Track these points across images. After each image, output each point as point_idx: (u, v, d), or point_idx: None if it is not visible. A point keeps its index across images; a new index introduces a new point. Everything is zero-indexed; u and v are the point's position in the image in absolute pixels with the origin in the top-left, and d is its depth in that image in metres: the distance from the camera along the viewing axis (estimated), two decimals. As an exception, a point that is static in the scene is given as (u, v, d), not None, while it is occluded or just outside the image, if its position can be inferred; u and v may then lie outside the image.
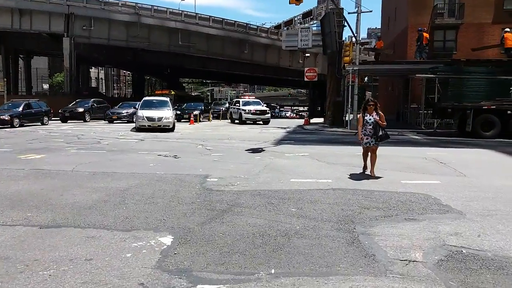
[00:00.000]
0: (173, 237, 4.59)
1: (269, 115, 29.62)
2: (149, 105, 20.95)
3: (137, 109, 21.13)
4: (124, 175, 8.12)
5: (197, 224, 5.05)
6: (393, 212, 5.65)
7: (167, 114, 19.86)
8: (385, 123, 8.23)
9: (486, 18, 27.16)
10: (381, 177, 7.96)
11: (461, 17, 27.30)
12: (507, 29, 21.40)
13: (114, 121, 27.93)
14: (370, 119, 8.16)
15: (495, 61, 19.83)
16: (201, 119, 28.88)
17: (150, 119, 19.42)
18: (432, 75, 18.46)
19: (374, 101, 8.30)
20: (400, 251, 4.20)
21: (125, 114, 28.25)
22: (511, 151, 13.11)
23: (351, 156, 11.45)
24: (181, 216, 5.39)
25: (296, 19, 63.51)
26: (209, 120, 31.94)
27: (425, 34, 22.68)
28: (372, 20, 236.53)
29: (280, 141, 15.73)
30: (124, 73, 76.65)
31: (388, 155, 11.51)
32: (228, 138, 16.75)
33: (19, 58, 47.89)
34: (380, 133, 8.09)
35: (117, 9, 39.81)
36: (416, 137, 18.53)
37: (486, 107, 16.79)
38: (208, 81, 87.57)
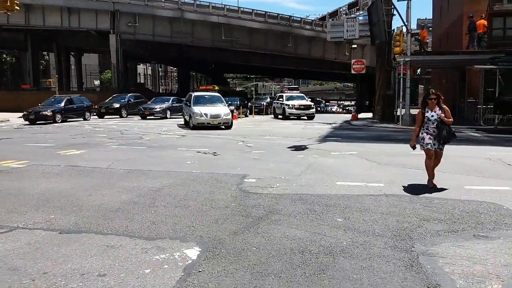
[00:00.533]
0: (200, 249, 4.03)
1: (314, 110, 28.44)
2: (202, 101, 19.51)
3: (190, 105, 19.15)
4: (159, 174, 7.71)
5: (228, 234, 4.46)
6: (459, 226, 4.77)
7: (225, 110, 18.81)
8: (451, 119, 6.69)
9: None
10: (445, 189, 6.85)
11: (524, 2, 24.91)
12: None
13: (147, 117, 26.54)
14: (432, 116, 6.70)
15: None
16: (237, 114, 27.79)
17: (211, 116, 18.11)
18: (492, 66, 16.80)
19: (437, 94, 6.73)
20: (472, 281, 3.38)
21: (158, 109, 27.02)
22: None
23: (404, 155, 10.45)
24: (213, 223, 4.82)
25: (341, 10, 61.59)
26: (246, 116, 31.05)
27: (482, 21, 20.77)
28: (423, 10, 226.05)
29: (325, 138, 14.90)
30: (171, 69, 78.09)
31: (446, 155, 10.36)
32: (270, 134, 16.12)
33: (70, 56, 49.73)
34: (445, 132, 6.58)
35: (160, 5, 40.20)
36: (476, 134, 17.00)
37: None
38: (252, 76, 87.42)
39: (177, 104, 27.87)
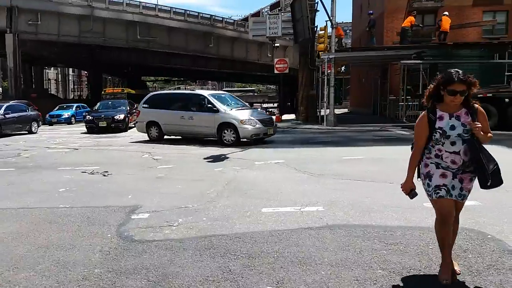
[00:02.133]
0: None
1: None
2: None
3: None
4: (9, 213, 5.29)
5: None
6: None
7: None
8: (491, 134, 3.12)
9: (466, 0, 25.37)
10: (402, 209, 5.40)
11: (440, -1, 25.42)
12: (446, 13, 21.12)
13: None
14: (454, 128, 3.07)
15: (484, 44, 17.85)
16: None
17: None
18: (418, 61, 16.25)
19: (469, 80, 3.00)
20: None
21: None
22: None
23: (337, 162, 8.95)
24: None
25: (263, 10, 61.09)
26: None
27: (410, 18, 20.61)
28: (343, 14, 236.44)
29: (249, 144, 13.08)
30: (85, 73, 72.04)
31: (386, 159, 9.10)
32: (185, 141, 13.94)
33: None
34: (487, 163, 3.01)
35: (67, 1, 36.06)
36: (403, 132, 16.30)
37: (481, 95, 14.69)
38: (175, 79, 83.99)
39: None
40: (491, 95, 14.57)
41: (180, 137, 14.16)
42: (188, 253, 3.76)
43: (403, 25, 20.60)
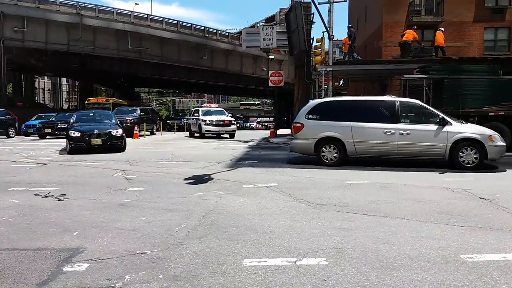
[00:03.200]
0: None
1: (235, 126, 24.76)
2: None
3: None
4: None
5: None
6: None
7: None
8: None
9: (467, 16, 24.55)
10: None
11: (440, 14, 24.57)
12: (441, 28, 20.93)
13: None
14: None
15: (491, 60, 16.82)
16: (138, 131, 23.02)
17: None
18: (423, 76, 15.09)
19: None
20: None
21: None
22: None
23: (339, 187, 7.65)
24: None
25: (258, 25, 60.55)
26: (153, 133, 27.03)
27: (411, 32, 19.66)
28: (338, 31, 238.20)
29: (238, 161, 11.78)
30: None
31: (393, 184, 7.82)
32: (170, 158, 12.63)
33: None
34: None
35: (55, 8, 34.97)
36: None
37: (493, 113, 13.56)
38: (170, 91, 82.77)
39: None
40: (503, 113, 13.43)
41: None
42: None
43: (404, 38, 19.64)
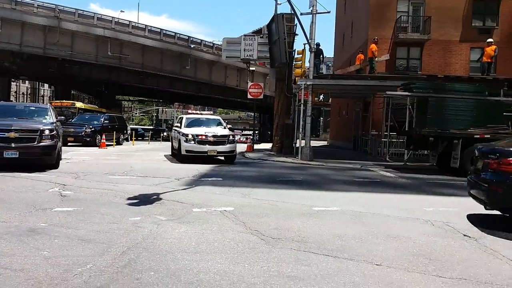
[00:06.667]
0: None
1: (234, 145, 15.46)
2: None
3: None
4: None
5: None
6: None
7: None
8: None
9: (453, 35, 24.14)
10: None
11: (426, 32, 24.11)
12: (490, 40, 19.24)
13: None
14: None
15: (477, 80, 16.17)
16: (105, 141, 21.62)
17: None
18: (407, 93, 14.30)
19: None
20: None
21: None
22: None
23: (305, 215, 6.60)
24: None
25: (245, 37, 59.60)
26: (119, 143, 25.08)
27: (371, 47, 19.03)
28: (324, 41, 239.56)
29: (200, 178, 10.65)
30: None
31: (369, 215, 6.78)
32: (126, 171, 11.40)
33: None
34: None
35: (32, 10, 33.69)
36: (387, 173, 14.17)
37: (478, 136, 12.76)
38: (154, 100, 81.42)
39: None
40: (489, 136, 12.65)
41: None
42: None
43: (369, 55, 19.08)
